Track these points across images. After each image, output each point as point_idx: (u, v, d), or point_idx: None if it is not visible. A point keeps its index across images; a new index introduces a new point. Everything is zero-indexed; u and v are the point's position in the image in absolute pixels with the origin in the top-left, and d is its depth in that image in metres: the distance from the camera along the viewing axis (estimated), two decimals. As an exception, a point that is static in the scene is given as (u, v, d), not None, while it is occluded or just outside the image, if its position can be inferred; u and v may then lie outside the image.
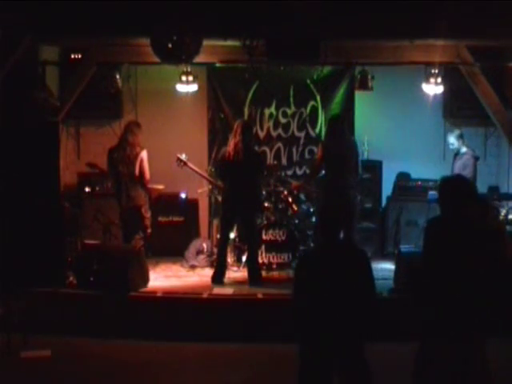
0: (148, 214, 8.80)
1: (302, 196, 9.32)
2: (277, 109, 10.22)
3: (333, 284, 4.45)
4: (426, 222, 5.13)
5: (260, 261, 8.49)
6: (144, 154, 8.58)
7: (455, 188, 4.69)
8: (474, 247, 4.57)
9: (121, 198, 8.60)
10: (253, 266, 8.20)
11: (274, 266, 8.70)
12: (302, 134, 10.27)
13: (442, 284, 4.51)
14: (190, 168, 8.71)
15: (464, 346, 4.50)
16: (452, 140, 9.06)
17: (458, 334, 4.49)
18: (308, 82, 10.16)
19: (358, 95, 9.90)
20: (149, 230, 8.83)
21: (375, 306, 4.60)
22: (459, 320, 4.48)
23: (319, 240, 4.83)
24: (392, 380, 5.69)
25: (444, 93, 9.50)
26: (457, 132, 9.09)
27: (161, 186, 9.22)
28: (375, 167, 9.95)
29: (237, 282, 8.24)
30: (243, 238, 8.70)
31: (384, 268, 8.73)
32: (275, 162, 9.98)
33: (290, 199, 9.12)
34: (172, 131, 10.02)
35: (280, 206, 9.11)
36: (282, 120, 10.25)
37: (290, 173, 10.12)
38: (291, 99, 10.22)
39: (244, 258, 8.72)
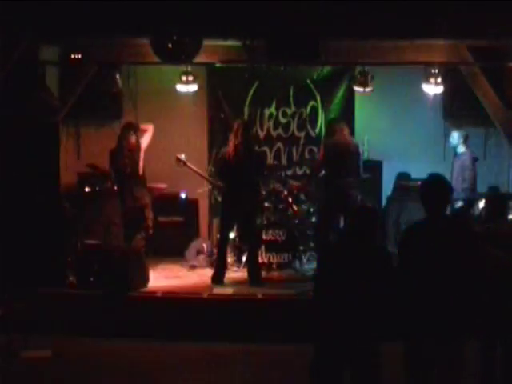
0: (151, 215, 8.82)
1: (302, 196, 9.32)
2: (277, 109, 10.22)
3: (350, 281, 4.47)
4: (406, 227, 5.08)
5: (260, 261, 8.49)
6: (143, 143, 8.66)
7: (438, 188, 4.68)
8: (460, 248, 4.55)
9: (125, 199, 8.61)
10: (253, 265, 8.20)
11: (274, 266, 8.70)
12: (302, 134, 10.27)
13: (424, 285, 4.49)
14: (190, 168, 8.71)
15: (449, 347, 4.51)
16: (453, 141, 9.06)
17: (444, 334, 4.49)
18: (308, 81, 10.16)
19: (358, 95, 9.90)
20: (150, 231, 8.84)
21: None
22: (444, 320, 4.47)
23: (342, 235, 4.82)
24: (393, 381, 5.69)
25: (444, 93, 9.49)
26: (463, 133, 9.08)
27: (163, 185, 9.28)
28: (375, 167, 9.94)
29: (237, 282, 8.24)
30: (243, 238, 8.70)
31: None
32: (275, 163, 9.98)
33: (290, 199, 9.12)
34: (172, 131, 10.01)
35: (280, 206, 9.11)
36: (282, 120, 10.24)
37: (289, 173, 10.11)
38: (291, 99, 10.22)
39: (244, 258, 8.72)
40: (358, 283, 4.45)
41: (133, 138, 8.66)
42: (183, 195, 9.87)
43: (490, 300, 5.19)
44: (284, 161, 10.22)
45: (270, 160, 10.07)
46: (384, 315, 4.51)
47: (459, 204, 8.66)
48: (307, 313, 4.77)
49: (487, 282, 5.06)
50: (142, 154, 8.71)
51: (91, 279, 7.61)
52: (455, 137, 9.06)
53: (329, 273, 4.61)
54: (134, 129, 8.75)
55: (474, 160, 9.04)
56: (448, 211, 5.96)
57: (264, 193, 8.96)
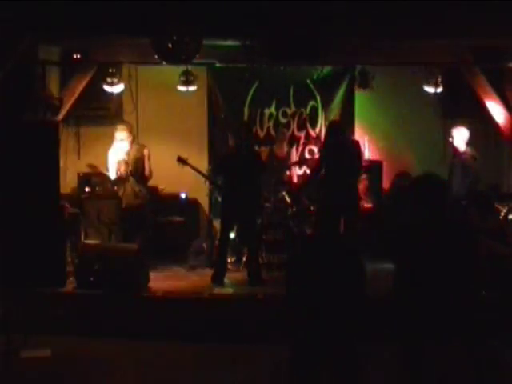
0: (150, 214, 8.82)
1: (302, 196, 9.31)
2: (277, 109, 10.23)
3: (327, 281, 4.46)
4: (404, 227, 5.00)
5: (260, 261, 8.49)
6: (146, 152, 8.68)
7: (433, 187, 4.67)
8: (459, 247, 4.54)
9: (125, 198, 8.62)
10: (253, 266, 8.21)
11: (274, 266, 8.70)
12: (302, 134, 10.28)
13: (424, 285, 4.47)
14: (192, 167, 8.68)
15: (450, 347, 4.51)
16: (453, 141, 9.06)
17: (443, 335, 4.49)
18: (308, 81, 10.17)
19: (358, 95, 9.90)
20: (150, 230, 8.84)
21: (362, 306, 4.57)
22: (443, 320, 4.46)
23: (316, 234, 4.77)
24: (392, 381, 5.69)
25: (444, 93, 9.50)
26: (463, 132, 9.09)
27: (162, 186, 9.28)
28: (375, 167, 9.94)
29: (237, 282, 8.24)
30: (243, 238, 8.70)
31: (384, 268, 8.72)
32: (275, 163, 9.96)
33: (290, 199, 9.12)
34: (172, 131, 10.02)
35: (280, 206, 9.10)
36: (282, 120, 10.25)
37: (289, 173, 10.11)
38: (291, 99, 10.23)
39: (244, 258, 8.72)
40: (332, 284, 4.44)
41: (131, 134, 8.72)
42: (183, 195, 9.88)
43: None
44: (284, 161, 10.22)
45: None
46: (358, 315, 4.48)
47: (460, 202, 8.66)
48: (284, 312, 4.74)
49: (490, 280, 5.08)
50: (145, 152, 8.71)
51: (91, 279, 7.60)
52: (456, 136, 9.06)
53: (303, 274, 4.56)
54: (129, 129, 8.77)
55: (474, 159, 9.05)
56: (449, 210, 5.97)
57: (264, 193, 8.96)
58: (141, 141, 9.02)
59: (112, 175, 8.72)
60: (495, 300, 5.38)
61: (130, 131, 8.79)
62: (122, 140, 8.64)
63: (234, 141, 8.27)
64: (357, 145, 8.66)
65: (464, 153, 8.99)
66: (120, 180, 8.67)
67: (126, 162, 8.57)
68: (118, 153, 8.64)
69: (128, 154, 8.61)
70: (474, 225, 5.69)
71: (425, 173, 4.79)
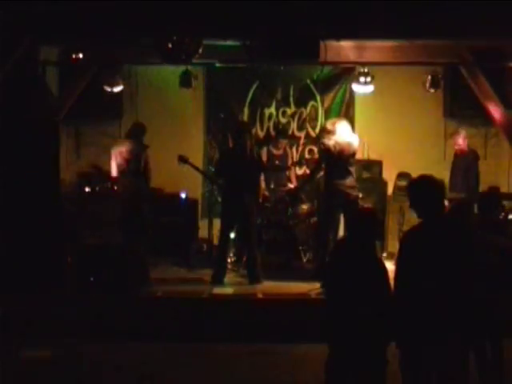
0: (150, 214, 8.83)
1: (302, 196, 9.32)
2: (277, 109, 10.23)
3: (355, 285, 4.59)
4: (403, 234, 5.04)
5: (260, 261, 8.48)
6: (149, 152, 8.70)
7: (431, 188, 4.66)
8: (457, 251, 4.52)
9: (125, 198, 8.63)
10: (253, 265, 8.20)
11: (274, 266, 8.70)
12: (302, 134, 10.28)
13: (424, 290, 4.46)
14: (192, 166, 8.67)
15: (448, 348, 4.51)
16: (460, 141, 9.08)
17: (443, 338, 4.48)
18: (308, 81, 10.18)
19: (358, 95, 9.90)
20: (150, 230, 8.84)
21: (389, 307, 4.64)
22: (444, 324, 4.45)
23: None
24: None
25: (444, 93, 9.51)
26: (464, 133, 9.10)
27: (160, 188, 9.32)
28: (375, 167, 9.94)
29: (237, 282, 8.24)
30: (243, 237, 8.69)
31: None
32: (276, 163, 9.97)
33: (290, 199, 9.12)
34: (172, 131, 10.03)
35: (280, 206, 9.11)
36: (282, 120, 10.25)
37: (289, 173, 10.11)
38: (291, 99, 10.23)
39: (244, 258, 8.72)
40: (361, 292, 4.55)
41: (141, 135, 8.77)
42: (183, 195, 9.87)
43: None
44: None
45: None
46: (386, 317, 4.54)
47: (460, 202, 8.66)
48: (321, 315, 4.83)
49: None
50: (149, 153, 8.73)
51: (91, 279, 7.60)
52: (460, 141, 9.08)
53: (336, 280, 4.71)
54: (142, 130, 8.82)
55: (477, 159, 9.06)
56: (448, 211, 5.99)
57: (264, 193, 8.96)
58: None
59: (114, 172, 8.73)
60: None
61: (133, 130, 8.80)
62: (127, 138, 8.67)
63: (233, 141, 8.25)
64: (355, 145, 8.63)
65: (466, 153, 9.00)
66: (119, 171, 8.68)
67: (125, 158, 8.59)
68: (119, 148, 8.67)
69: (130, 151, 8.62)
70: (475, 222, 5.69)
71: (420, 175, 4.80)
